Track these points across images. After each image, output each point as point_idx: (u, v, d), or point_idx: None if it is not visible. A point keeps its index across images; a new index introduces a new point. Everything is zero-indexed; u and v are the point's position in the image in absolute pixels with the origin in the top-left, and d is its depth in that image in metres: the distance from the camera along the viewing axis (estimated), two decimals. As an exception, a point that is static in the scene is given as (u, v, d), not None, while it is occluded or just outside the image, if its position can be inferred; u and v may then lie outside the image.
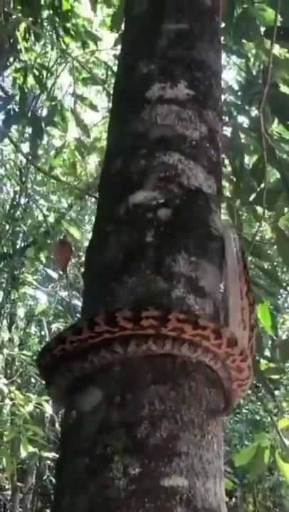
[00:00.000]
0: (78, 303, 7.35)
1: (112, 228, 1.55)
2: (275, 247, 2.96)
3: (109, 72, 5.03)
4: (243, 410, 10.77)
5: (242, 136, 3.02)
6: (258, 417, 10.59)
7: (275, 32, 1.92)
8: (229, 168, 2.79)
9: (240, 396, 1.55)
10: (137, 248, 1.47)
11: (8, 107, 4.63)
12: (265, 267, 3.58)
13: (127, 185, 1.59)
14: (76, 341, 1.32)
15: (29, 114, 4.69)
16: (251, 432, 10.88)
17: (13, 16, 4.56)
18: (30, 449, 6.16)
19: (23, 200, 8.56)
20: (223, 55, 3.65)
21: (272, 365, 3.24)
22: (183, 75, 1.72)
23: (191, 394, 1.29)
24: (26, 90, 5.40)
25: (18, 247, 8.63)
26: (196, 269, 1.47)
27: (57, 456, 1.45)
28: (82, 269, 1.72)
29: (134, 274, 1.43)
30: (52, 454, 7.02)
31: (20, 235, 8.72)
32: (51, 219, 8.75)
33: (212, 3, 1.96)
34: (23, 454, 6.26)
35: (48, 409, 6.21)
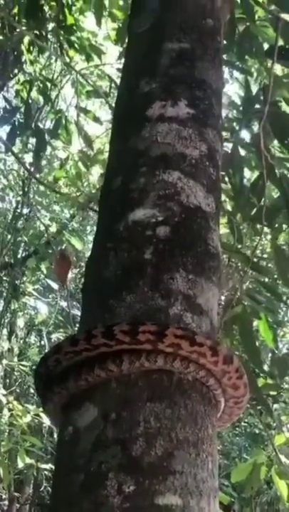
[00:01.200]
0: (78, 313, 7.35)
1: (112, 245, 1.56)
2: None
3: (113, 85, 5.07)
4: (242, 423, 10.74)
5: (243, 151, 3.04)
6: (256, 431, 10.57)
7: (276, 52, 1.94)
8: (229, 185, 2.81)
9: (237, 414, 1.56)
10: (136, 265, 1.49)
11: (13, 119, 4.66)
12: (266, 280, 3.59)
13: (127, 202, 1.60)
14: (71, 352, 1.33)
15: (33, 126, 4.71)
16: (250, 446, 10.85)
17: (18, 29, 4.60)
18: (28, 460, 6.15)
19: (25, 210, 8.59)
20: (226, 70, 3.69)
21: (270, 380, 3.24)
22: (184, 93, 1.74)
23: (187, 412, 1.29)
24: (30, 102, 5.44)
25: (19, 256, 8.65)
26: (194, 287, 1.48)
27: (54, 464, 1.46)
28: (83, 280, 1.73)
29: (132, 291, 1.44)
30: (49, 466, 7.01)
31: (22, 244, 8.74)
32: (53, 229, 8.78)
33: (214, 23, 1.99)
34: (20, 464, 6.25)
35: (46, 420, 6.20)
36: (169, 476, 1.21)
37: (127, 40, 2.15)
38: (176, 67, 1.80)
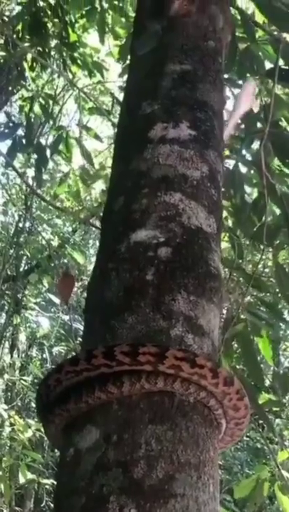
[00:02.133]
0: (80, 326, 7.36)
1: (114, 265, 1.57)
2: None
3: (115, 102, 5.11)
4: (244, 438, 10.68)
5: (245, 169, 3.06)
6: (258, 445, 10.50)
7: (276, 73, 1.96)
8: (230, 202, 2.83)
9: (238, 435, 1.56)
10: (138, 286, 1.49)
11: (15, 135, 4.69)
12: (267, 296, 3.59)
13: (129, 223, 1.62)
14: (72, 372, 1.34)
15: (34, 142, 4.75)
16: (252, 460, 10.78)
17: (21, 46, 4.65)
18: (29, 475, 6.12)
19: (27, 224, 8.62)
20: (228, 88, 3.71)
21: (272, 396, 3.24)
22: (185, 115, 1.76)
23: (188, 434, 1.30)
24: (33, 117, 5.49)
25: (21, 270, 8.66)
26: (195, 308, 1.48)
27: (55, 482, 1.47)
28: (85, 294, 1.74)
29: (134, 312, 1.45)
30: (51, 481, 6.97)
31: (24, 258, 8.75)
32: (55, 243, 8.80)
33: (215, 45, 2.01)
34: (22, 480, 6.22)
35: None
36: (170, 499, 1.21)
37: (129, 61, 2.17)
38: (177, 88, 1.82)
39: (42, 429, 6.29)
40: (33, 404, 9.32)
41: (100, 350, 1.32)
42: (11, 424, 6.67)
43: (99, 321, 1.51)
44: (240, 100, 1.73)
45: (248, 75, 3.25)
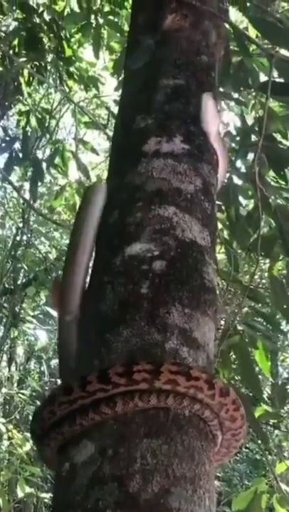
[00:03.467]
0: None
1: (109, 279, 1.58)
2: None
3: (111, 115, 5.15)
4: (243, 449, 10.63)
5: (239, 181, 3.08)
6: (257, 457, 10.46)
7: (269, 87, 1.98)
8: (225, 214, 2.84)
9: (235, 447, 1.56)
10: (132, 299, 1.50)
11: (11, 149, 4.72)
12: (263, 308, 3.59)
13: (124, 236, 1.63)
14: (66, 403, 1.33)
15: (31, 156, 4.77)
16: (251, 472, 10.73)
17: (17, 61, 4.69)
18: (28, 489, 6.09)
19: (25, 237, 8.63)
20: (222, 100, 3.73)
21: (269, 408, 3.23)
22: (179, 129, 1.77)
23: (184, 448, 1.30)
24: (29, 131, 5.53)
25: (19, 282, 8.65)
26: (190, 321, 1.49)
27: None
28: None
29: (128, 326, 1.45)
30: (49, 495, 6.92)
31: (22, 270, 8.76)
32: (53, 256, 8.81)
33: (208, 59, 2.03)
34: (20, 494, 6.19)
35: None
36: (165, 514, 1.21)
37: (123, 76, 2.19)
38: (171, 103, 1.84)
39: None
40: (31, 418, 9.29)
41: (94, 375, 1.32)
42: (9, 438, 6.64)
43: (94, 335, 1.51)
44: (207, 119, 1.74)
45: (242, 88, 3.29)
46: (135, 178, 1.71)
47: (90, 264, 1.74)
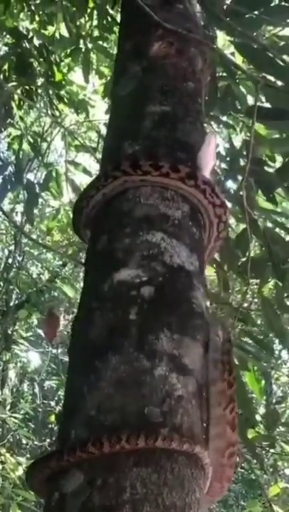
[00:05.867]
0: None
1: (97, 305, 1.58)
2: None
3: (101, 140, 5.20)
4: (239, 469, 10.52)
5: (229, 203, 3.09)
6: (253, 477, 10.35)
7: (255, 113, 2.01)
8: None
9: (228, 477, 1.55)
10: (121, 325, 1.50)
11: (4, 174, 4.73)
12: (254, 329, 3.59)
13: (112, 262, 1.63)
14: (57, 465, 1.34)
15: (24, 179, 4.78)
16: (247, 492, 10.62)
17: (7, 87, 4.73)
18: (20, 515, 6.00)
19: (18, 258, 8.62)
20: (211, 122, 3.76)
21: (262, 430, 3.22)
22: (166, 155, 1.79)
23: (174, 476, 1.29)
24: (21, 154, 5.55)
25: (11, 304, 8.62)
26: (179, 347, 1.49)
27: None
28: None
29: (117, 352, 1.45)
30: (42, 520, 6.83)
31: (14, 292, 8.73)
32: (45, 277, 8.79)
33: (195, 85, 2.06)
34: (13, 520, 6.09)
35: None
36: None
37: (110, 104, 2.22)
38: (158, 129, 1.86)
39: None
40: (24, 441, 9.20)
41: (88, 442, 1.30)
42: (2, 463, 6.56)
43: (83, 362, 1.51)
44: (205, 155, 1.78)
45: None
46: (123, 204, 1.72)
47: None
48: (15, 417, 7.36)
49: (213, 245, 1.86)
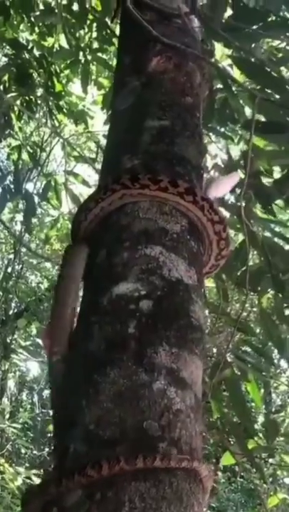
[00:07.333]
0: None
1: (96, 318, 1.59)
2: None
3: (100, 150, 5.23)
4: (238, 479, 10.51)
5: (228, 214, 3.11)
6: (252, 486, 10.34)
7: (253, 127, 2.03)
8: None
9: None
10: (120, 339, 1.51)
11: (3, 185, 4.76)
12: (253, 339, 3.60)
13: (111, 276, 1.64)
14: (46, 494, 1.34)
15: (22, 190, 4.81)
16: (246, 502, 10.59)
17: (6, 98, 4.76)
18: (19, 526, 5.98)
19: (17, 267, 8.63)
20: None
21: (262, 439, 3.22)
22: (164, 170, 1.80)
23: (172, 490, 1.29)
24: (21, 164, 5.59)
25: (10, 313, 8.63)
26: (177, 361, 1.50)
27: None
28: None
29: (116, 366, 1.46)
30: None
31: (14, 301, 8.73)
32: (44, 285, 8.80)
33: (193, 100, 2.08)
34: (11, 530, 6.08)
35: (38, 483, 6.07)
36: None
37: (110, 116, 2.24)
38: (156, 144, 1.88)
39: (32, 478, 6.18)
40: (23, 451, 9.19)
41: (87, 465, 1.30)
42: (1, 473, 6.54)
43: (82, 375, 1.52)
44: (221, 185, 1.81)
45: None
46: (122, 218, 1.73)
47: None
48: (14, 427, 7.34)
49: (214, 263, 1.87)
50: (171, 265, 1.64)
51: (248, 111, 3.34)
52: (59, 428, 1.57)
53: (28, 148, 5.65)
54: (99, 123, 5.81)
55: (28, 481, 6.27)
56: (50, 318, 1.79)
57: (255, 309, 6.01)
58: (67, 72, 5.24)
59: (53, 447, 1.69)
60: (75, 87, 5.61)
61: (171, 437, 1.36)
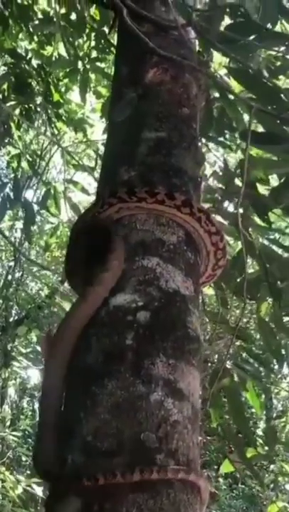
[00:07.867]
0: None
1: (94, 330, 1.60)
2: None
3: (99, 159, 5.25)
4: (240, 485, 10.47)
5: (225, 222, 3.12)
6: (254, 492, 10.29)
7: (249, 138, 2.04)
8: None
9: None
10: (117, 351, 1.52)
11: (3, 194, 4.78)
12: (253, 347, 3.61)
13: (109, 287, 1.65)
14: None
15: (22, 199, 4.82)
16: (248, 508, 10.55)
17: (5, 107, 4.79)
18: (20, 534, 5.96)
19: (17, 274, 8.65)
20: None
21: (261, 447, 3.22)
22: (161, 181, 1.82)
23: (169, 502, 1.30)
24: (20, 172, 5.61)
25: (11, 320, 8.63)
26: (175, 372, 1.51)
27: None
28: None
29: (113, 377, 1.47)
30: (42, 539, 6.79)
31: (14, 308, 8.74)
32: (44, 293, 8.81)
33: (189, 111, 2.09)
34: (12, 539, 6.05)
35: (39, 491, 6.06)
36: None
37: (107, 127, 2.25)
38: (153, 155, 1.89)
39: (32, 486, 6.17)
40: (24, 459, 9.16)
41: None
42: (2, 481, 6.52)
43: (80, 387, 1.53)
44: None
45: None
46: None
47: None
48: (14, 435, 7.33)
49: (212, 273, 1.88)
50: (168, 276, 1.66)
51: (246, 118, 3.35)
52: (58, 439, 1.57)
53: (28, 156, 5.68)
54: (98, 131, 5.83)
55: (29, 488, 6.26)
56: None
57: (255, 316, 6.02)
58: (66, 80, 5.26)
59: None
60: (74, 94, 5.64)
61: (169, 449, 1.38)
